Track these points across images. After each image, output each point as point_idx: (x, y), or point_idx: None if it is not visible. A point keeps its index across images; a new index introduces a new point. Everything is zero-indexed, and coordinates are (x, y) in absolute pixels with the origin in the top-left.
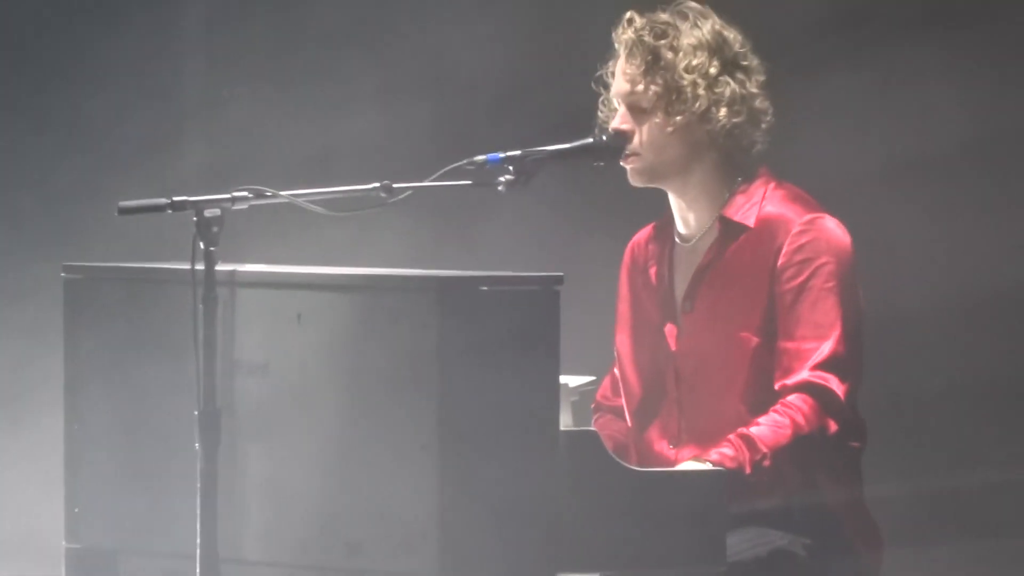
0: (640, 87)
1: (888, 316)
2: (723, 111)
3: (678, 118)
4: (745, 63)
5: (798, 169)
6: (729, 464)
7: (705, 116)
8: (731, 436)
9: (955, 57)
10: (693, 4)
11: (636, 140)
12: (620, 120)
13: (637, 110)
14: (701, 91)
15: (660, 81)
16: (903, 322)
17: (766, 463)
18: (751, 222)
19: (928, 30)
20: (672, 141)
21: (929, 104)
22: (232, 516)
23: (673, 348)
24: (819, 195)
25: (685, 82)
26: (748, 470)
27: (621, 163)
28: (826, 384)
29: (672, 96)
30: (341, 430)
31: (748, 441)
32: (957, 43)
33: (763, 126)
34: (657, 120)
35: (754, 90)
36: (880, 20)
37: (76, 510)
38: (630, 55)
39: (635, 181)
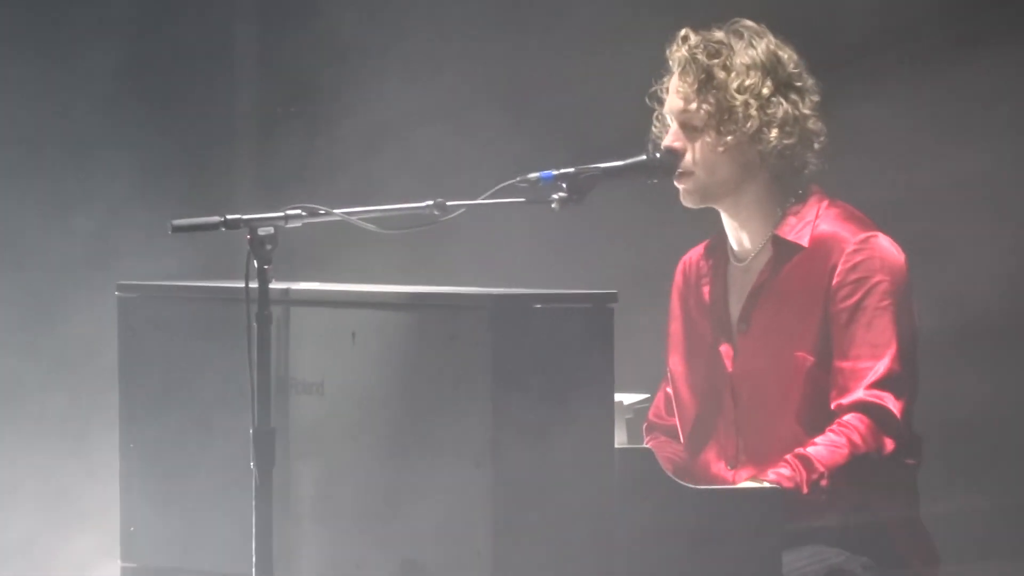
0: (693, 105)
1: (944, 331)
2: (775, 132)
3: (729, 138)
4: (799, 84)
5: (849, 186)
6: (787, 484)
7: (757, 136)
8: (788, 456)
9: (1004, 74)
10: (749, 23)
11: (688, 159)
12: (672, 138)
13: (689, 128)
14: (753, 111)
15: (712, 100)
16: (960, 336)
17: (823, 483)
18: (805, 242)
19: (978, 46)
20: (723, 161)
21: (981, 119)
22: (287, 535)
23: (729, 369)
24: (871, 212)
25: (737, 102)
26: (805, 490)
27: (674, 183)
28: (882, 403)
29: (724, 116)
30: (395, 448)
31: (805, 461)
32: (1006, 59)
33: (816, 147)
34: (709, 139)
35: (807, 111)
36: (930, 37)
37: (132, 529)
38: (683, 73)
39: (687, 202)
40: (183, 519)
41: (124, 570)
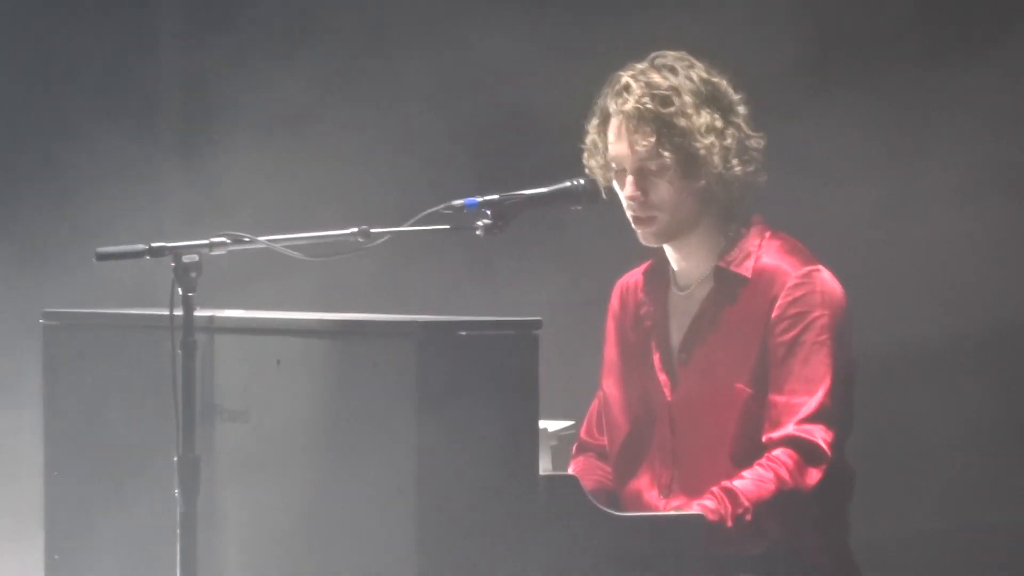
0: (652, 155)
1: (879, 361)
2: (735, 162)
3: (702, 182)
4: (738, 106)
5: (788, 216)
6: (711, 517)
7: (722, 173)
8: (714, 489)
9: (945, 97)
10: (671, 53)
11: (653, 201)
12: (632, 189)
13: (646, 174)
14: (716, 149)
15: (673, 148)
16: (894, 366)
17: (748, 517)
18: (748, 273)
19: (917, 70)
20: (686, 200)
21: (918, 146)
22: (212, 561)
23: (668, 398)
24: (809, 241)
25: (701, 146)
26: (730, 523)
27: (634, 227)
28: (811, 437)
29: (690, 161)
30: (320, 475)
31: (731, 495)
32: (949, 83)
33: (763, 163)
34: (672, 183)
35: (749, 131)
36: (862, 59)
37: (56, 557)
38: (638, 127)
39: (650, 242)
40: (108, 546)
41: None
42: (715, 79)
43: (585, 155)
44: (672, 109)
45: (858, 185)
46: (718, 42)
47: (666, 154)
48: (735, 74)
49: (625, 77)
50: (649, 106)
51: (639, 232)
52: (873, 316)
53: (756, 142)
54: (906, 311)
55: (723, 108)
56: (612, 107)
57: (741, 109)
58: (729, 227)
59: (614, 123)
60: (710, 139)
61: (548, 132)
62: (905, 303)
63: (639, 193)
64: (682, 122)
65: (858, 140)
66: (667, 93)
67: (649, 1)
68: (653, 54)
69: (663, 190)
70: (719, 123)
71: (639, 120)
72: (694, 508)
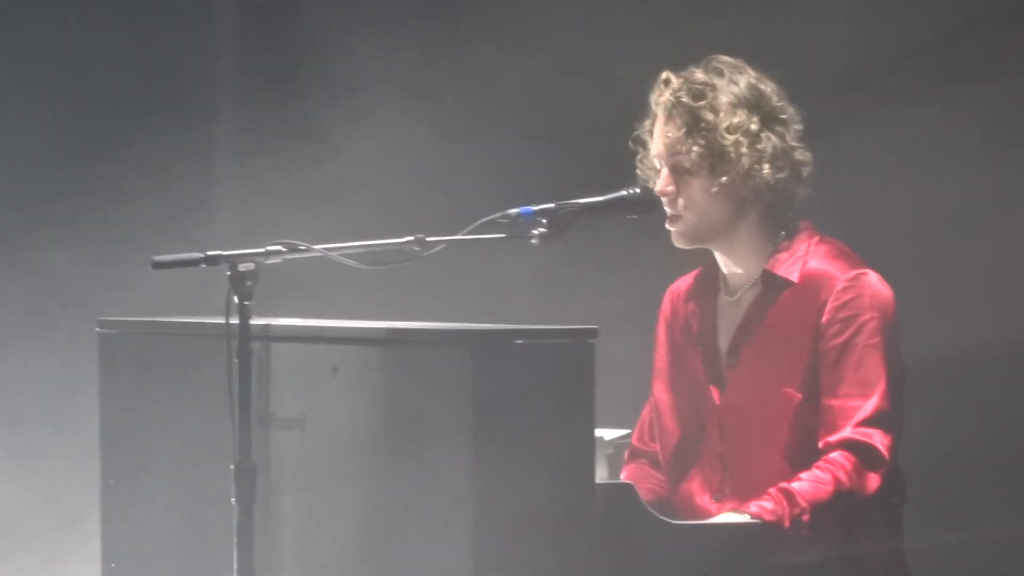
0: (682, 149)
1: (931, 367)
2: (767, 167)
3: (724, 179)
4: (783, 116)
5: (838, 221)
6: (768, 517)
7: (749, 174)
8: (772, 490)
9: (988, 106)
10: (726, 59)
11: (681, 202)
12: (664, 183)
13: (680, 171)
14: (744, 149)
15: (702, 142)
16: (946, 373)
17: (805, 518)
18: (795, 277)
19: (960, 80)
20: (717, 201)
21: (964, 154)
22: (268, 570)
23: (717, 403)
24: (859, 247)
25: (728, 143)
26: (787, 524)
27: (666, 226)
28: (869, 441)
29: (716, 157)
30: (376, 484)
31: (788, 495)
32: (990, 93)
33: (804, 176)
34: (701, 181)
35: (793, 143)
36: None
37: (113, 565)
38: (669, 117)
39: (679, 243)
40: (164, 555)
41: None
42: (763, 86)
43: (637, 158)
44: (703, 103)
45: (912, 190)
46: (783, 47)
47: (694, 148)
48: (794, 81)
49: (668, 73)
50: (683, 99)
51: (671, 233)
52: (925, 320)
53: (800, 154)
54: (958, 315)
55: (764, 114)
56: (652, 101)
57: (787, 119)
58: (776, 233)
59: (656, 120)
60: (737, 137)
61: (608, 139)
62: (957, 308)
63: (670, 188)
64: (710, 116)
65: (910, 147)
66: (702, 88)
67: (715, 11)
68: (710, 57)
69: (693, 189)
70: (754, 126)
71: (672, 112)
72: (751, 508)
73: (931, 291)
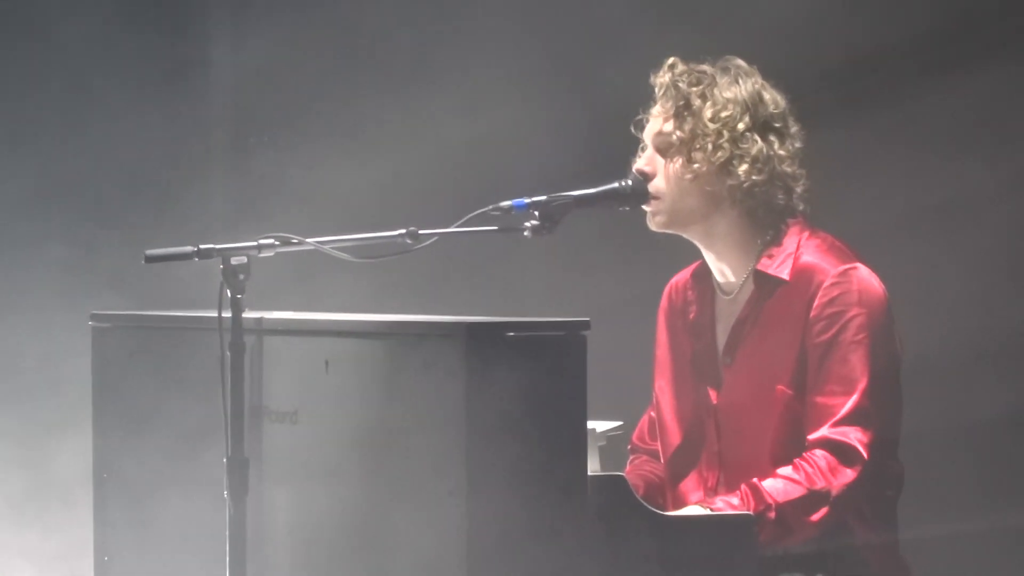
0: (666, 130)
1: (922, 359)
2: (744, 167)
3: (696, 165)
4: (778, 125)
5: (830, 214)
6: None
7: (725, 168)
8: (742, 486)
9: (979, 101)
10: (740, 62)
11: (659, 183)
12: (645, 161)
13: (662, 153)
14: (724, 143)
15: (687, 127)
16: (938, 365)
17: (771, 515)
18: (786, 275)
19: (953, 73)
20: (691, 189)
21: (961, 147)
22: (260, 563)
23: (714, 401)
24: (854, 240)
25: (709, 131)
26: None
27: (642, 207)
28: (845, 439)
29: (696, 143)
30: (370, 476)
31: (756, 492)
32: (981, 87)
33: (797, 190)
34: (678, 166)
35: (782, 152)
36: (909, 62)
37: (106, 558)
38: (663, 97)
39: (653, 225)
40: (157, 548)
41: None
42: (766, 94)
43: (639, 148)
44: (696, 89)
45: (904, 185)
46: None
47: (676, 132)
48: (787, 71)
49: (675, 58)
50: (680, 83)
51: (647, 214)
52: (922, 315)
53: (789, 167)
54: (955, 309)
55: (757, 118)
56: (654, 82)
57: (782, 130)
58: (762, 232)
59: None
60: (719, 128)
61: (600, 130)
62: (951, 300)
63: (648, 168)
64: (698, 102)
65: (901, 138)
66: (701, 76)
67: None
68: (725, 57)
69: (670, 172)
70: (742, 125)
71: (666, 93)
72: (716, 503)
73: (924, 284)
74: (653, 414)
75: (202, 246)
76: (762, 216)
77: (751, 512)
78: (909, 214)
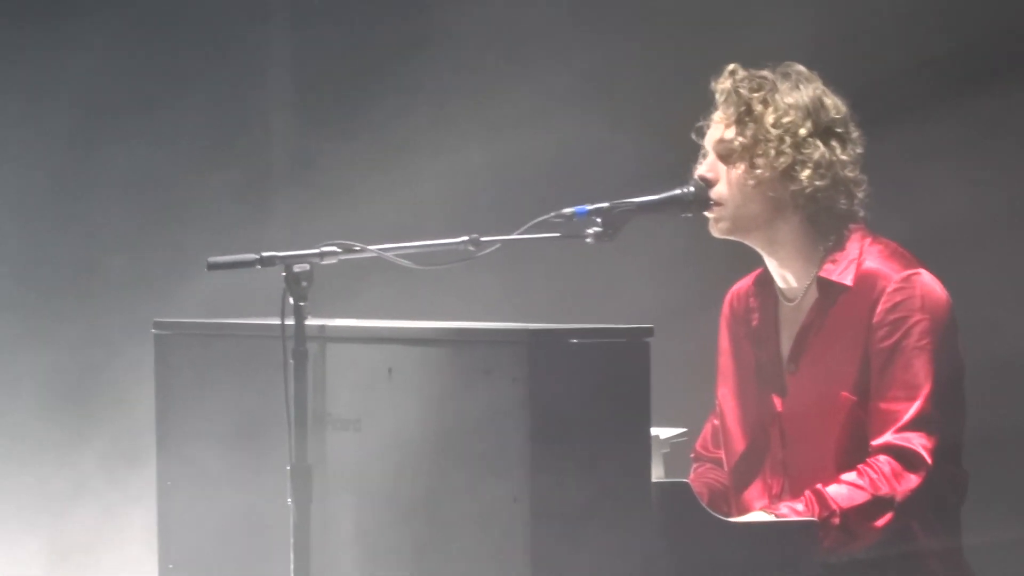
0: (729, 136)
1: (986, 364)
2: (807, 172)
3: (758, 171)
4: (840, 130)
5: (892, 221)
6: (796, 519)
7: (788, 174)
8: (807, 491)
9: None
10: (799, 67)
11: (721, 189)
12: (707, 168)
13: (724, 159)
14: (787, 148)
15: (748, 133)
16: (1002, 370)
17: (835, 520)
18: (849, 281)
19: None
20: (754, 195)
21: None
22: (325, 570)
23: (779, 409)
24: (916, 247)
25: (771, 136)
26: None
27: (705, 213)
28: (909, 445)
29: (758, 149)
30: (433, 483)
31: (820, 498)
32: None
33: (859, 195)
34: (741, 171)
35: (844, 158)
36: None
37: (170, 567)
38: (725, 103)
39: (715, 231)
40: (221, 556)
41: None
42: (827, 99)
43: (701, 154)
44: (757, 95)
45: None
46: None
47: (739, 138)
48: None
49: (736, 64)
50: (741, 88)
51: (709, 221)
52: (988, 320)
53: (851, 172)
54: (1021, 314)
55: (819, 124)
56: (714, 88)
57: (844, 135)
58: (824, 239)
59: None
60: (781, 134)
61: (665, 138)
62: (1020, 306)
63: (710, 174)
64: (760, 108)
65: (965, 143)
66: (762, 82)
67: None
68: (785, 63)
69: (732, 178)
70: (804, 131)
71: (727, 99)
72: (781, 509)
73: (989, 289)
74: (716, 422)
75: (264, 254)
76: (824, 222)
77: (815, 518)
78: (973, 219)
